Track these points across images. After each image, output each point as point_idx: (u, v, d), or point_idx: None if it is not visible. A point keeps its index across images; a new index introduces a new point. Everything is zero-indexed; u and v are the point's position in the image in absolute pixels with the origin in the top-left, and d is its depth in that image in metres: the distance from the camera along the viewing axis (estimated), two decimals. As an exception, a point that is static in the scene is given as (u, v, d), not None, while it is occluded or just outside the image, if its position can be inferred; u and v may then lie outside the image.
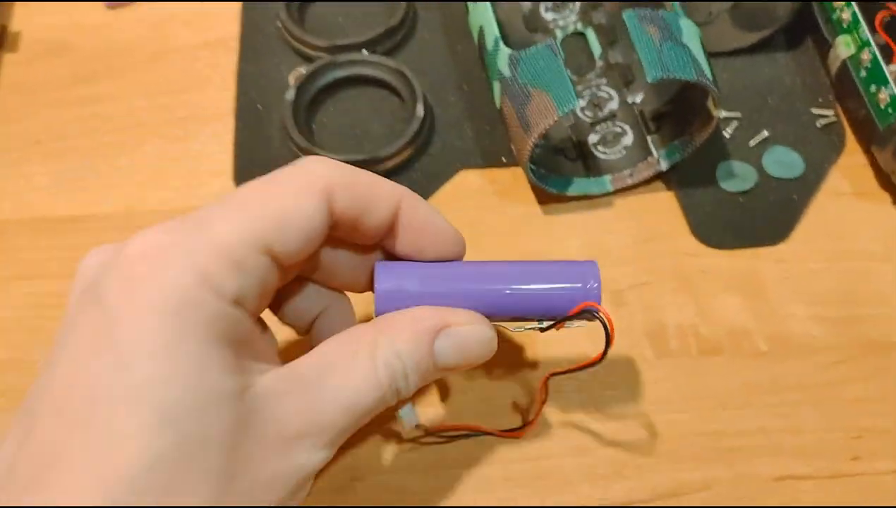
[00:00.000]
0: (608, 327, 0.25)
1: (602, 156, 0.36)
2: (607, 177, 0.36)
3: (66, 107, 0.39)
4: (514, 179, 0.37)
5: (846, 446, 0.30)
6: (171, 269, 0.19)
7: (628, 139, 0.37)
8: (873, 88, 0.35)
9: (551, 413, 0.31)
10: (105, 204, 0.36)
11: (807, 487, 0.29)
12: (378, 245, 0.25)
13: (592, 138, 0.37)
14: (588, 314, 0.25)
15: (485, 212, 0.36)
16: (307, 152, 0.36)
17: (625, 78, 0.38)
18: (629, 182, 0.35)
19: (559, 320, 0.25)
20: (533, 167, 0.34)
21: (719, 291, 0.33)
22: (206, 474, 0.19)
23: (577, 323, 0.25)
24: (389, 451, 0.30)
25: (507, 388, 0.31)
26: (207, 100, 0.39)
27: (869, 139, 0.36)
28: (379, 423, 0.30)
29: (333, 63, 0.39)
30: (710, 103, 0.33)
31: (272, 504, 0.20)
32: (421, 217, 0.24)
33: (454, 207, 0.36)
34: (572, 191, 0.35)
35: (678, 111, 0.36)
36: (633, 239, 0.35)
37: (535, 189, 0.36)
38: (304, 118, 0.39)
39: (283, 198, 0.21)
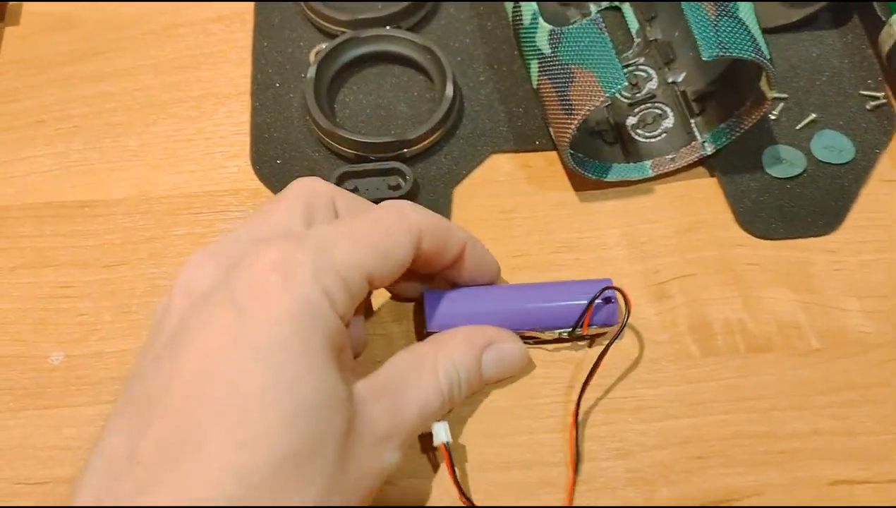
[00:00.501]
0: (626, 297, 0.28)
1: (641, 140, 0.34)
2: (647, 162, 0.34)
3: (71, 84, 0.37)
4: (548, 164, 0.35)
5: (905, 449, 0.28)
6: (301, 282, 0.22)
7: (669, 121, 0.35)
8: (933, 70, 0.33)
9: (593, 414, 0.29)
10: (114, 188, 0.34)
11: (864, 492, 0.28)
12: (438, 274, 0.29)
13: (631, 120, 0.35)
14: (607, 298, 0.28)
15: (517, 198, 0.34)
16: (329, 134, 0.34)
17: (665, 56, 0.36)
18: (671, 167, 0.33)
19: (583, 313, 0.28)
20: (571, 151, 0.32)
21: (767, 284, 0.32)
22: (323, 467, 0.21)
23: (601, 313, 0.29)
24: (410, 486, 0.28)
25: (543, 390, 0.30)
26: (222, 77, 0.37)
27: (924, 123, 0.34)
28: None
29: (356, 39, 0.37)
30: (763, 83, 0.31)
31: (363, 502, 0.23)
32: (478, 256, 0.29)
33: (486, 193, 0.34)
34: (611, 176, 0.33)
35: (725, 91, 0.34)
36: (674, 228, 0.33)
37: (570, 175, 0.34)
38: (326, 97, 0.37)
39: (389, 236, 0.25)
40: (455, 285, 0.29)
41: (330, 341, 0.22)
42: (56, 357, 0.30)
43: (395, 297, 0.31)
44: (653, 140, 0.34)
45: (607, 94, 0.28)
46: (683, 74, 0.35)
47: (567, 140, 0.30)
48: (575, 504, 0.27)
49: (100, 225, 0.33)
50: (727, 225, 0.33)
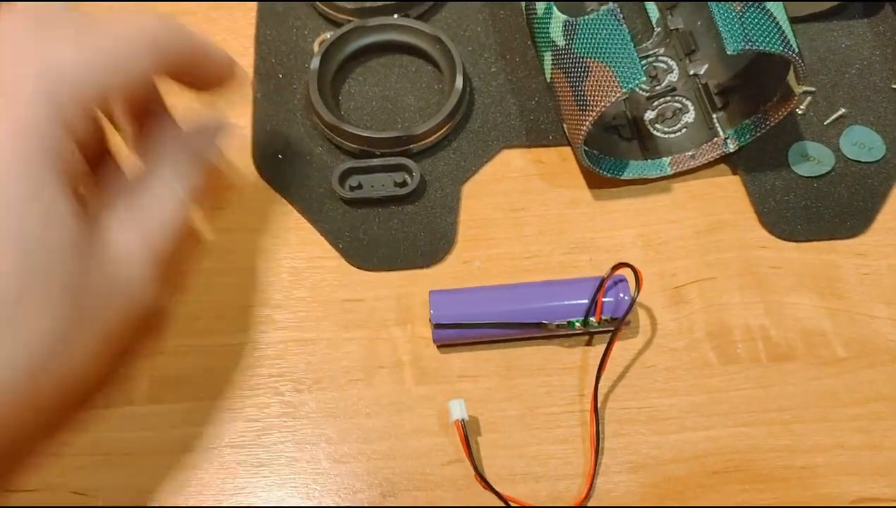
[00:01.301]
0: (638, 275, 0.27)
1: (660, 135, 0.33)
2: (666, 159, 0.32)
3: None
4: (562, 160, 0.33)
5: (935, 466, 0.27)
6: (25, 103, 0.20)
7: (689, 116, 0.33)
8: (974, 62, 0.31)
9: (606, 425, 0.28)
10: (113, 183, 0.33)
11: (891, 511, 0.26)
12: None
13: (649, 115, 0.33)
14: (621, 266, 0.28)
15: (529, 196, 0.32)
16: (333, 128, 0.33)
17: (686, 47, 0.34)
18: (691, 164, 0.32)
19: (594, 296, 0.28)
20: (585, 148, 0.31)
21: (791, 289, 0.30)
22: (48, 306, 0.20)
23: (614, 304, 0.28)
24: (425, 465, 0.27)
25: (554, 397, 0.28)
26: (223, 68, 0.36)
27: (962, 119, 0.32)
28: (415, 435, 0.28)
29: (362, 28, 0.36)
30: (790, 78, 0.29)
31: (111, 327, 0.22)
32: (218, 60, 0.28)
33: (496, 190, 0.33)
34: (628, 174, 0.32)
35: (749, 85, 0.32)
36: (693, 229, 0.31)
37: (585, 172, 0.33)
38: (330, 89, 0.35)
39: (122, 47, 0.23)
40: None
41: (64, 166, 0.21)
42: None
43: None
44: (672, 135, 0.33)
45: (624, 90, 0.27)
46: (706, 66, 0.33)
47: (581, 137, 0.29)
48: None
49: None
50: (749, 225, 0.31)
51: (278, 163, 0.34)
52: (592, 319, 0.28)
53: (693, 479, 0.27)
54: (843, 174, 0.32)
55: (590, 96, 0.28)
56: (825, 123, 0.33)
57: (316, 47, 0.36)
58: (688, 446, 0.27)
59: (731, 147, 0.32)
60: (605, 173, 0.31)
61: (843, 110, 0.34)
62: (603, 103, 0.27)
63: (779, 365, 0.29)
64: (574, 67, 0.29)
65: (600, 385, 0.28)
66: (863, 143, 0.33)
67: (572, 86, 0.29)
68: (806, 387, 0.28)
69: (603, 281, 0.28)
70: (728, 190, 0.32)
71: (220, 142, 0.27)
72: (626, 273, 0.28)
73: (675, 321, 0.30)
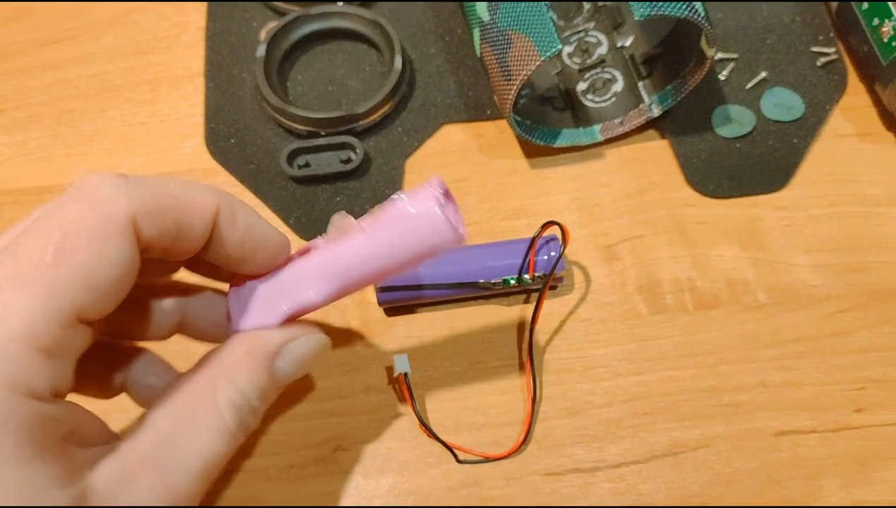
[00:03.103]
0: (563, 230, 0.29)
1: (591, 105, 0.35)
2: (597, 127, 0.34)
3: (28, 74, 0.37)
4: (500, 133, 0.35)
5: (850, 398, 0.29)
6: None
7: (618, 85, 0.35)
8: (876, 21, 0.32)
9: (544, 375, 0.29)
10: (72, 173, 0.35)
11: (809, 441, 0.28)
12: (195, 259, 0.22)
13: (581, 86, 0.35)
14: (550, 224, 0.29)
15: (469, 167, 0.34)
16: (280, 111, 0.35)
17: (613, 21, 0.36)
18: (620, 131, 0.34)
19: (527, 253, 0.29)
20: (518, 119, 0.32)
21: (716, 242, 0.32)
22: None
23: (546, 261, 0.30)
24: (374, 420, 0.29)
25: (495, 352, 0.30)
26: (175, 60, 0.37)
27: (872, 77, 0.34)
28: (364, 392, 0.29)
29: (306, 16, 0.37)
30: (703, 42, 0.31)
31: None
32: (241, 226, 0.21)
33: (437, 163, 0.34)
34: (560, 142, 0.33)
35: (670, 53, 0.34)
36: (624, 191, 0.33)
37: (522, 143, 0.34)
38: (277, 75, 0.37)
39: (84, 252, 0.18)
40: (235, 275, 0.23)
41: (37, 441, 0.17)
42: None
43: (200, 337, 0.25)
44: (602, 105, 0.35)
45: (543, 58, 0.29)
46: (631, 38, 0.35)
47: (509, 105, 0.31)
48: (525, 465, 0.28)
49: (58, 209, 0.34)
50: (677, 186, 0.33)
51: (230, 147, 0.35)
52: (526, 276, 0.29)
53: (625, 420, 0.28)
54: (765, 133, 0.34)
55: (513, 66, 0.30)
56: (747, 87, 0.35)
57: (262, 36, 0.38)
58: (620, 391, 0.29)
59: (656, 112, 0.34)
60: (538, 141, 0.33)
61: (765, 74, 0.35)
62: (525, 72, 0.29)
63: (705, 313, 0.30)
64: (499, 40, 0.30)
65: (539, 339, 0.30)
66: (783, 104, 0.35)
67: (498, 59, 0.30)
68: (730, 332, 0.30)
69: (534, 239, 0.29)
70: (657, 154, 0.34)
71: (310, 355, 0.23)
72: (556, 231, 0.30)
73: (609, 277, 0.31)
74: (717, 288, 0.31)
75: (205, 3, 0.39)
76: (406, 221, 0.21)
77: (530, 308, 0.31)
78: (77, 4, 0.39)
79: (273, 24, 0.38)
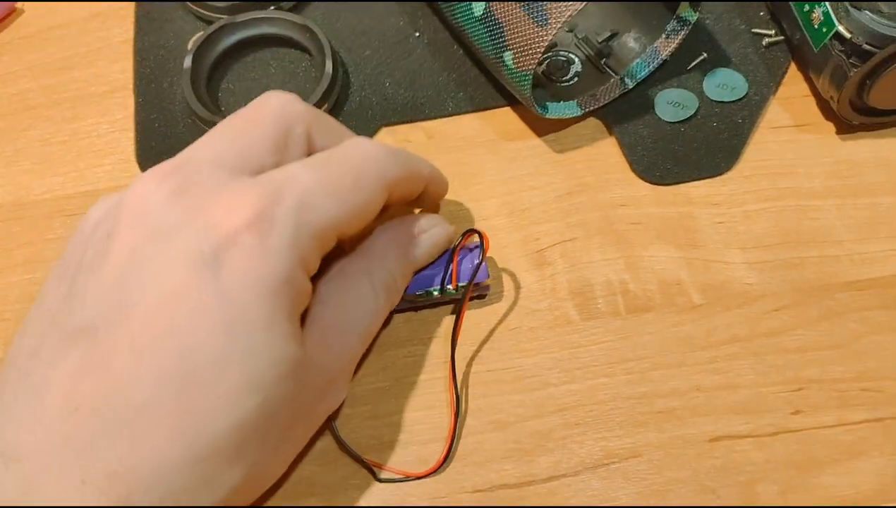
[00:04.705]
0: (483, 238, 0.28)
1: (559, 85, 0.34)
2: (574, 102, 0.33)
3: (-52, 94, 0.36)
4: (428, 137, 0.34)
5: (787, 400, 0.28)
6: (279, 250, 0.21)
7: (577, 66, 0.34)
8: (806, 7, 0.32)
9: (472, 388, 0.28)
10: (-11, 196, 0.34)
11: (744, 446, 0.27)
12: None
13: (540, 69, 0.35)
14: (471, 233, 0.28)
15: (398, 175, 0.33)
16: (209, 123, 0.34)
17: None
18: (597, 104, 0.33)
19: (450, 258, 0.28)
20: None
21: (650, 243, 0.31)
22: (267, 440, 0.22)
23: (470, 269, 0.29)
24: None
25: (420, 366, 0.29)
26: (96, 76, 0.36)
27: (807, 65, 0.33)
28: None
29: (233, 24, 0.36)
30: (685, 9, 0.31)
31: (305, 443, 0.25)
32: (435, 189, 0.28)
33: (364, 172, 0.33)
34: (552, 113, 0.33)
35: (637, 25, 0.34)
36: (555, 193, 0.32)
37: (453, 145, 0.33)
38: (206, 86, 0.36)
39: (366, 192, 0.24)
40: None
41: (298, 308, 0.22)
42: (-68, 370, 0.30)
43: None
44: (569, 84, 0.34)
45: None
46: (579, 23, 0.35)
47: (538, 56, 0.29)
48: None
49: (-24, 234, 0.33)
50: (609, 185, 0.32)
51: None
52: (450, 287, 0.28)
53: (555, 432, 0.28)
54: (709, 115, 0.33)
55: (550, 10, 0.29)
56: (688, 69, 0.34)
57: (189, 46, 0.37)
58: (550, 401, 0.28)
59: (630, 84, 0.33)
60: (537, 110, 0.32)
61: (705, 55, 0.34)
62: (570, 12, 0.28)
63: (637, 316, 0.30)
64: None
65: (467, 351, 0.29)
66: (725, 84, 0.34)
67: (526, 7, 0.29)
68: (663, 335, 0.29)
69: (454, 249, 0.28)
70: (589, 153, 0.33)
71: (437, 240, 0.28)
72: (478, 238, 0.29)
73: (539, 282, 0.30)
74: (650, 290, 0.30)
75: (130, 16, 0.38)
76: None
77: (453, 323, 0.30)
78: (3, 22, 0.38)
79: (200, 34, 0.37)
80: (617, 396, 0.28)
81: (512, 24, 0.30)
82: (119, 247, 0.21)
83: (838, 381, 0.28)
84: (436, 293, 0.29)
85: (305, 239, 0.22)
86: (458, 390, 0.28)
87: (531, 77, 0.30)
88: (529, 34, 0.30)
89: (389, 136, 0.34)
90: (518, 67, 0.31)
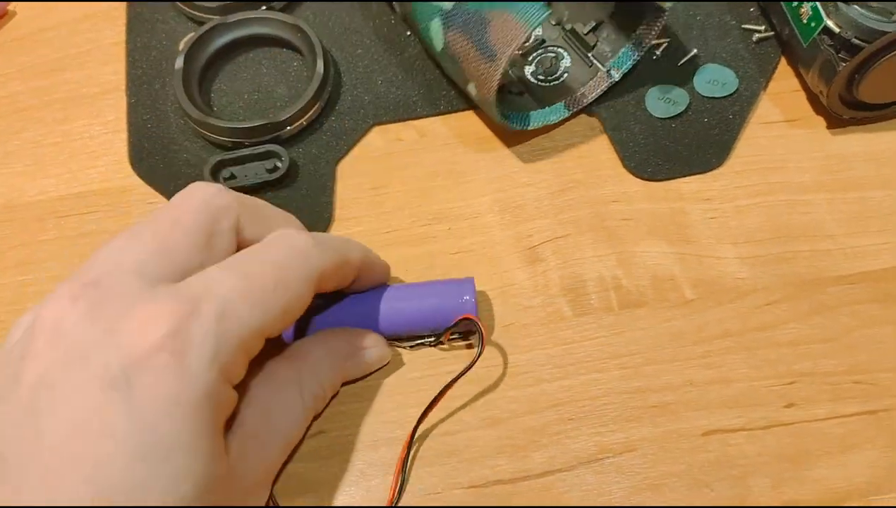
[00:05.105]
0: (482, 331, 0.27)
1: (546, 85, 0.34)
2: (560, 104, 0.33)
3: (-61, 97, 0.36)
4: (421, 136, 0.34)
5: (779, 393, 0.28)
6: (197, 369, 0.20)
7: (566, 61, 0.35)
8: (795, 3, 0.32)
9: (466, 385, 0.28)
10: (-18, 198, 0.34)
11: (738, 440, 0.27)
12: None
13: (529, 69, 0.35)
14: (466, 323, 0.27)
15: (392, 172, 0.33)
16: (201, 124, 0.34)
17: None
18: (585, 102, 0.34)
19: (442, 333, 0.28)
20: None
21: (642, 238, 0.31)
22: None
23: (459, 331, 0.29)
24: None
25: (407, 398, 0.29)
26: (87, 78, 0.36)
27: (796, 60, 0.33)
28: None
29: (224, 24, 0.36)
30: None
31: None
32: (370, 274, 0.28)
33: (364, 169, 0.34)
34: (534, 123, 0.33)
35: (617, 17, 0.34)
36: (547, 190, 0.32)
37: (444, 145, 0.34)
38: (199, 87, 0.36)
39: (290, 291, 0.23)
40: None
41: (220, 419, 0.21)
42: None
43: None
44: (557, 82, 0.34)
45: (530, 28, 0.28)
46: (566, 13, 0.35)
47: (493, 88, 0.30)
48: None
49: (-31, 236, 0.33)
50: (601, 182, 0.32)
51: (155, 163, 0.34)
52: (443, 340, 0.29)
53: (549, 427, 0.28)
54: (700, 111, 0.34)
55: (497, 44, 0.29)
56: (679, 65, 0.34)
57: (181, 47, 0.37)
58: (544, 397, 0.28)
59: (616, 76, 0.34)
60: (514, 126, 0.33)
61: (696, 51, 0.35)
62: (512, 46, 0.28)
63: (630, 312, 0.30)
64: (470, 23, 0.29)
65: (461, 349, 0.29)
66: (716, 80, 0.34)
67: (475, 41, 0.29)
68: (656, 331, 0.29)
69: (446, 331, 0.28)
70: (581, 150, 0.33)
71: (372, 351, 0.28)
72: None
73: (531, 279, 0.31)
74: (642, 285, 0.30)
75: (122, 18, 0.38)
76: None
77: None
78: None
79: (191, 35, 0.37)
80: (610, 391, 0.28)
81: (467, 59, 0.31)
82: (31, 370, 0.20)
83: (830, 374, 0.28)
84: (429, 343, 0.29)
85: (227, 350, 0.21)
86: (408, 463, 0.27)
87: (495, 105, 0.31)
88: (482, 68, 0.30)
89: (382, 135, 0.34)
90: (482, 96, 0.31)
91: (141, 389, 0.20)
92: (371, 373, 0.29)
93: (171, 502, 0.20)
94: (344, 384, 0.28)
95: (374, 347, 0.28)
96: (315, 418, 0.27)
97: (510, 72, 0.34)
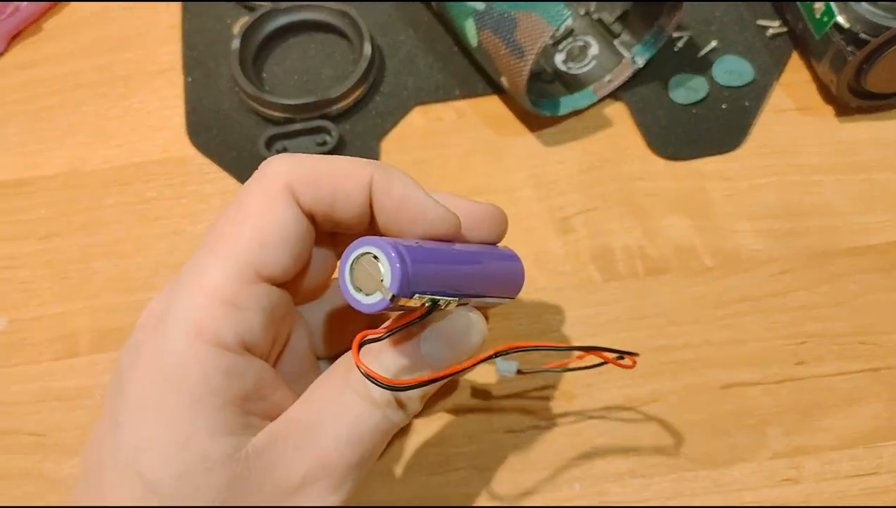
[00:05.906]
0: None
1: (576, 72, 0.37)
2: (590, 88, 0.36)
3: (5, 74, 0.39)
4: (459, 116, 0.37)
5: (791, 352, 0.30)
6: (166, 334, 0.19)
7: (594, 49, 0.37)
8: (809, 0, 0.34)
9: (498, 342, 0.31)
10: (48, 166, 0.36)
11: (754, 393, 0.30)
12: (368, 232, 0.22)
13: (559, 57, 0.37)
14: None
15: (433, 149, 0.36)
16: (256, 99, 0.36)
17: (575, -10, 0.38)
18: (611, 87, 0.36)
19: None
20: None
21: (665, 213, 0.34)
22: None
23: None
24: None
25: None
26: (147, 56, 0.39)
27: (808, 53, 0.36)
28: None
29: (276, 10, 0.39)
30: None
31: None
32: (396, 195, 0.21)
33: (406, 145, 0.36)
34: (563, 109, 0.36)
35: (640, 7, 0.36)
36: (578, 167, 0.35)
37: (483, 123, 0.36)
38: (253, 67, 0.38)
39: (253, 217, 0.20)
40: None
41: (210, 391, 0.19)
42: (0, 322, 0.32)
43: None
44: (585, 69, 0.37)
45: (555, 28, 0.31)
46: (595, 3, 0.38)
47: (524, 82, 0.32)
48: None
49: (36, 200, 0.35)
50: (629, 160, 0.35)
51: (211, 137, 0.37)
52: None
53: (580, 379, 0.30)
54: (718, 99, 0.36)
55: (525, 43, 0.32)
56: (699, 56, 0.37)
57: (236, 30, 0.39)
58: (576, 354, 0.31)
59: (640, 63, 0.36)
60: (545, 113, 0.35)
61: (715, 43, 0.37)
62: (539, 45, 0.31)
63: (655, 278, 0.32)
64: (501, 23, 0.32)
65: (498, 309, 0.31)
66: (733, 70, 0.37)
67: (505, 40, 0.32)
68: (678, 295, 0.32)
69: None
70: (608, 131, 0.36)
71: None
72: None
73: (563, 247, 0.33)
74: (666, 254, 0.33)
75: (177, 3, 0.40)
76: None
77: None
78: (54, 5, 0.41)
79: (245, 19, 0.39)
80: (637, 349, 0.30)
81: (499, 55, 0.33)
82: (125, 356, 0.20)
83: (838, 336, 0.31)
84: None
85: (198, 309, 0.19)
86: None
87: (527, 96, 0.33)
88: (512, 64, 0.33)
89: (423, 115, 0.37)
90: (513, 89, 0.34)
91: (123, 362, 0.20)
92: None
93: (137, 473, 0.19)
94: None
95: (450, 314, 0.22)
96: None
97: (541, 62, 0.37)
